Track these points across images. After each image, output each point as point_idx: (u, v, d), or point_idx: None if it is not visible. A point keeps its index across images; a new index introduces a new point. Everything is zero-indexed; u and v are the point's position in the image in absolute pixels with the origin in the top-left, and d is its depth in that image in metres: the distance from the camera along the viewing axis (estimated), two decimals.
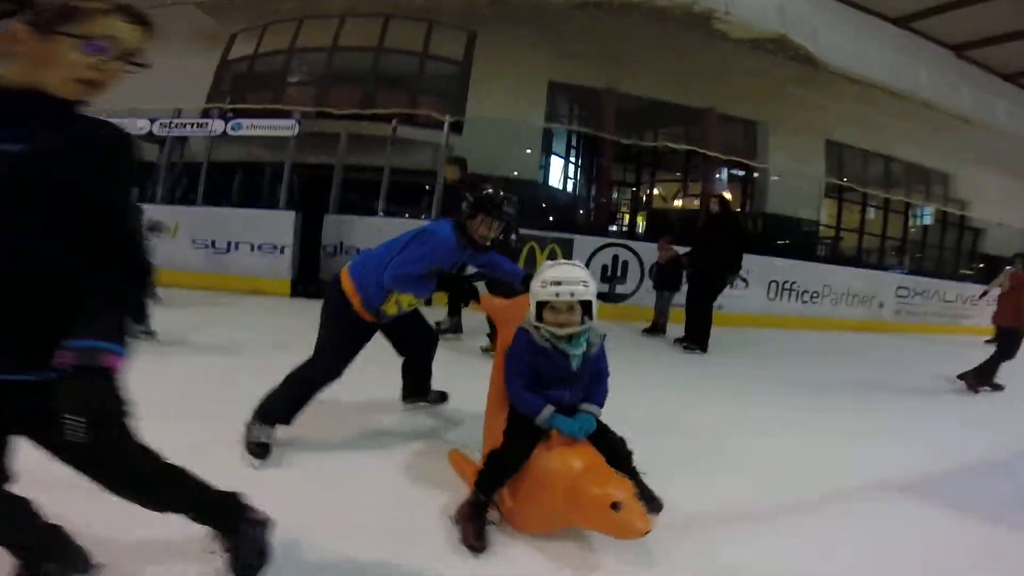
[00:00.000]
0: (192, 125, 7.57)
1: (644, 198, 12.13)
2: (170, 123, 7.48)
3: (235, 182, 10.58)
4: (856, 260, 11.66)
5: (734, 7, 8.50)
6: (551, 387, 1.85)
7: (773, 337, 6.92)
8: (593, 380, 1.90)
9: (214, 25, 11.48)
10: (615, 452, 1.84)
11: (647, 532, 1.54)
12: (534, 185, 9.93)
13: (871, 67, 9.53)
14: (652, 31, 9.47)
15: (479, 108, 9.66)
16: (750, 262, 6.46)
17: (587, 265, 1.96)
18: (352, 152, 7.95)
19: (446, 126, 6.93)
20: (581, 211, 11.36)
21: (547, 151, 10.56)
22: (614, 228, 11.45)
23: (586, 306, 1.83)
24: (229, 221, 6.56)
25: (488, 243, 2.37)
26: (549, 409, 1.79)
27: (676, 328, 5.81)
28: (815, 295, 8.30)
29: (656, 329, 6.16)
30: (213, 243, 6.46)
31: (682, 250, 6.00)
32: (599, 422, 1.85)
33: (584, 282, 1.81)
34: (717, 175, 11.49)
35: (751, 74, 9.87)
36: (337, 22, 11.16)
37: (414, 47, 10.97)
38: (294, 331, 3.21)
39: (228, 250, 6.45)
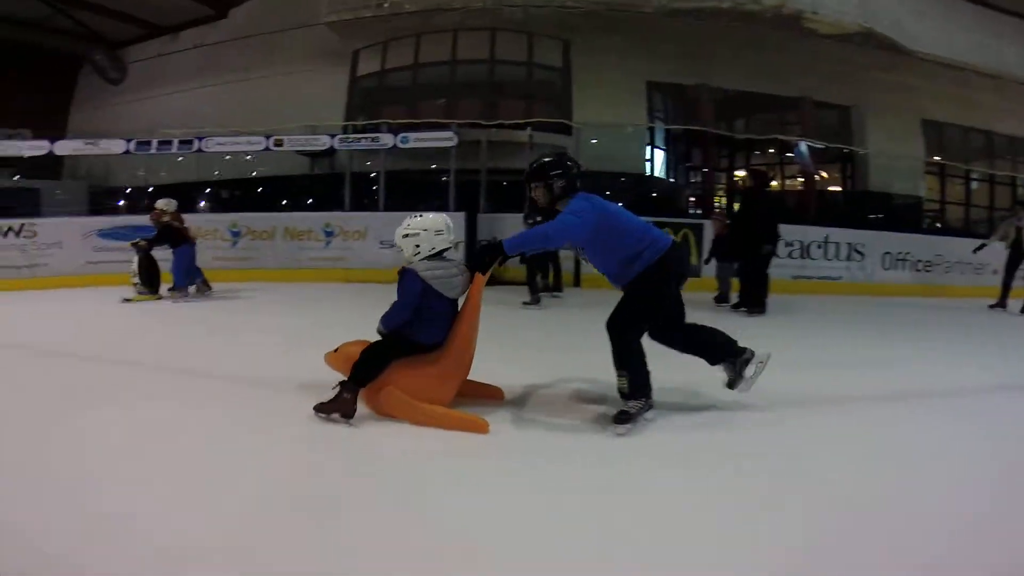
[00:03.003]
0: (365, 140, 9.94)
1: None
2: (348, 139, 9.92)
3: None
4: (965, 231, 12.59)
5: (820, 6, 10.04)
6: None
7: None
8: None
9: (337, 43, 13.82)
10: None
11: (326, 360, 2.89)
12: (641, 178, 11.90)
13: (956, 49, 10.71)
14: (742, 31, 11.12)
15: (583, 111, 11.70)
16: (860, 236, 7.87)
17: None
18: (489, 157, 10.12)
19: (575, 130, 8.89)
20: (684, 197, 13.11)
21: (650, 145, 12.46)
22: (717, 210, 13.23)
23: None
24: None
25: (542, 207, 2.91)
26: None
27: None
28: (928, 265, 9.25)
29: (722, 298, 6.83)
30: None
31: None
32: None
33: (396, 236, 2.85)
34: (792, 151, 12.82)
35: (842, 63, 11.29)
36: (451, 37, 13.40)
37: (516, 57, 13.10)
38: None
39: None
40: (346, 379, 2.70)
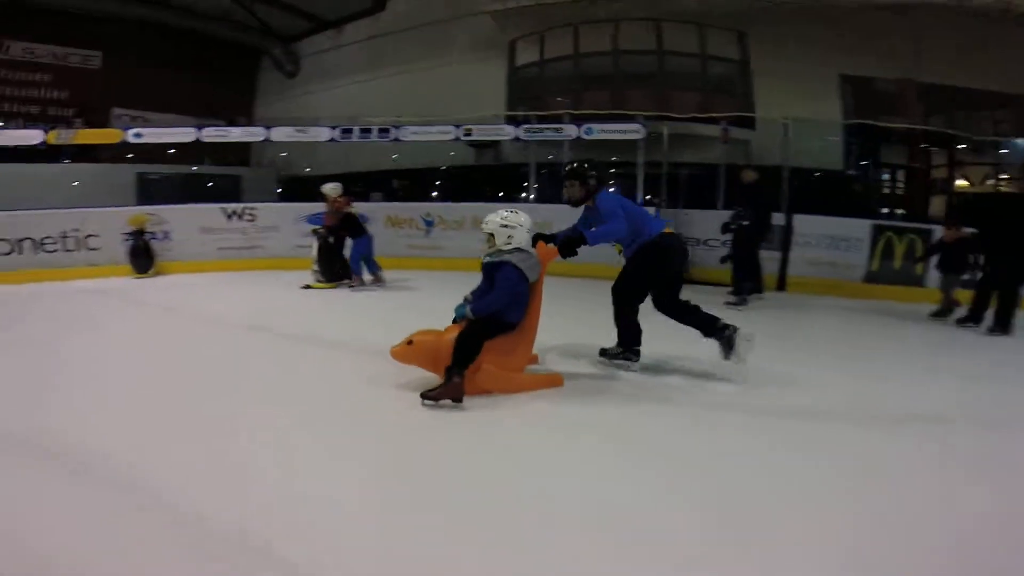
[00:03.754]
0: (549, 130, 10.11)
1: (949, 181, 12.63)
2: (534, 129, 10.12)
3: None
4: None
5: None
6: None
7: None
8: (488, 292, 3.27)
9: (495, 34, 14.22)
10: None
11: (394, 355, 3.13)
12: (839, 175, 11.35)
13: None
14: (953, 24, 10.23)
15: (767, 104, 11.29)
16: None
17: None
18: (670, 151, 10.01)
19: (786, 125, 8.50)
20: (888, 196, 12.38)
21: (849, 141, 11.84)
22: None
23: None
24: None
25: (575, 201, 3.72)
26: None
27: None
28: None
29: (944, 312, 6.06)
30: None
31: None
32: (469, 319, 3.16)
33: (486, 222, 3.31)
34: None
35: None
36: (611, 26, 13.35)
37: (685, 48, 12.85)
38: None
39: None
40: (451, 365, 2.97)
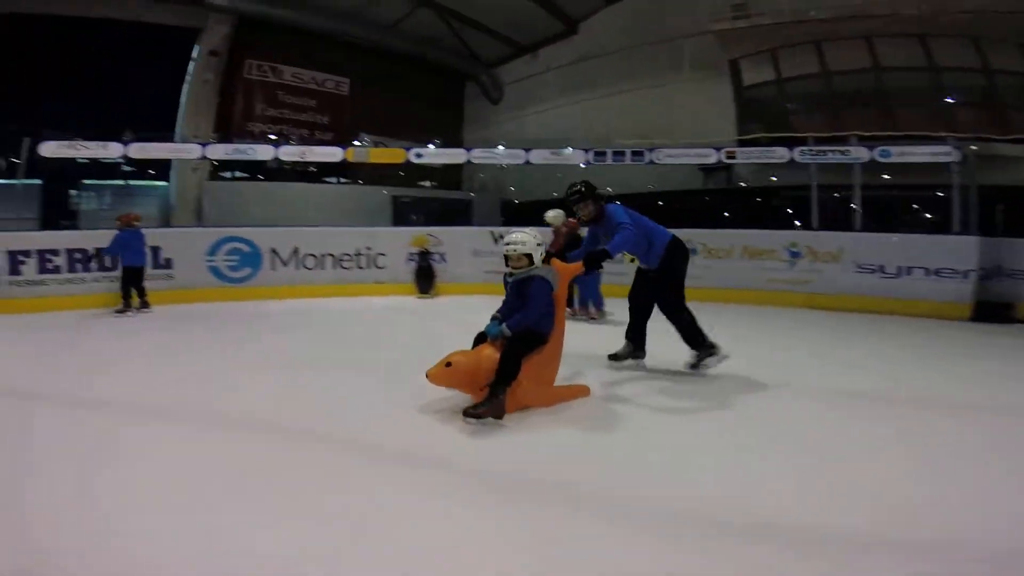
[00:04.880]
0: (832, 152, 9.44)
1: None
2: (816, 151, 9.47)
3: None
4: None
5: None
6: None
7: None
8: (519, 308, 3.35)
9: (714, 52, 13.64)
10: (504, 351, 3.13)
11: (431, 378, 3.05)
12: None
13: None
14: None
15: None
16: None
17: None
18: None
19: None
20: None
21: None
22: None
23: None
24: (898, 247, 7.67)
25: (587, 220, 4.07)
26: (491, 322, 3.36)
27: None
28: None
29: None
30: (881, 268, 7.66)
31: None
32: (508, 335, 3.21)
33: (521, 242, 3.37)
34: None
35: None
36: (862, 43, 12.38)
37: (957, 63, 11.53)
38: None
39: (899, 275, 7.53)
40: (494, 382, 3.01)
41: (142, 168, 11.82)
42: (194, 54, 13.60)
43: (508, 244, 3.39)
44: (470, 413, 2.95)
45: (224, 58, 13.51)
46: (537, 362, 3.27)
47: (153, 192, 12.72)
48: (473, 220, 13.20)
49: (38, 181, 10.62)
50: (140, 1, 12.79)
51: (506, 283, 3.50)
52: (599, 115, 15.27)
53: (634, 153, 10.36)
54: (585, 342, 4.64)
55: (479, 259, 9.35)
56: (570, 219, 7.01)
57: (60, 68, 12.40)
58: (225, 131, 12.87)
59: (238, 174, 13.04)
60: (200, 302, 7.73)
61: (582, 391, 3.55)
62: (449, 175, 15.52)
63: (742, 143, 11.79)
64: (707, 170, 12.81)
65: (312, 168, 13.04)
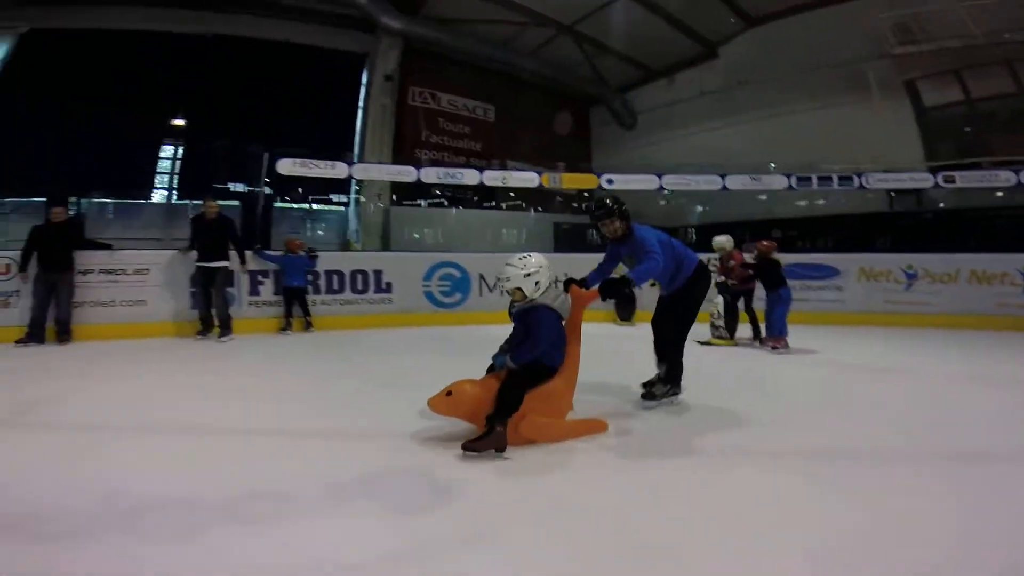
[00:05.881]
0: None
1: None
2: None
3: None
4: None
5: None
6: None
7: None
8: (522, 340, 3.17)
9: (887, 74, 13.13)
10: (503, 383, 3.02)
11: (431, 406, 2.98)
12: None
13: None
14: None
15: None
16: None
17: None
18: None
19: None
20: None
21: None
22: None
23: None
24: None
25: (615, 238, 3.77)
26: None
27: None
28: None
29: None
30: None
31: None
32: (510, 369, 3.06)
33: (507, 278, 3.17)
34: None
35: None
36: None
37: None
38: None
39: None
40: (493, 414, 2.87)
41: (325, 193, 12.36)
42: (363, 79, 14.21)
43: (498, 279, 3.56)
44: (468, 446, 2.83)
45: (396, 83, 14.03)
46: (546, 395, 3.08)
47: (331, 216, 13.27)
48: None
49: (235, 203, 11.28)
50: (316, 26, 13.55)
51: (511, 314, 3.34)
52: (751, 138, 14.91)
53: (842, 178, 10.03)
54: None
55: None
56: (735, 251, 6.80)
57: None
58: (399, 156, 13.30)
59: (420, 201, 13.42)
60: (415, 326, 7.94)
61: (598, 426, 3.27)
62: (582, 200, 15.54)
63: (956, 167, 11.23)
64: (897, 193, 12.29)
65: (474, 196, 13.32)
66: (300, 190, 12.18)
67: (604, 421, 3.32)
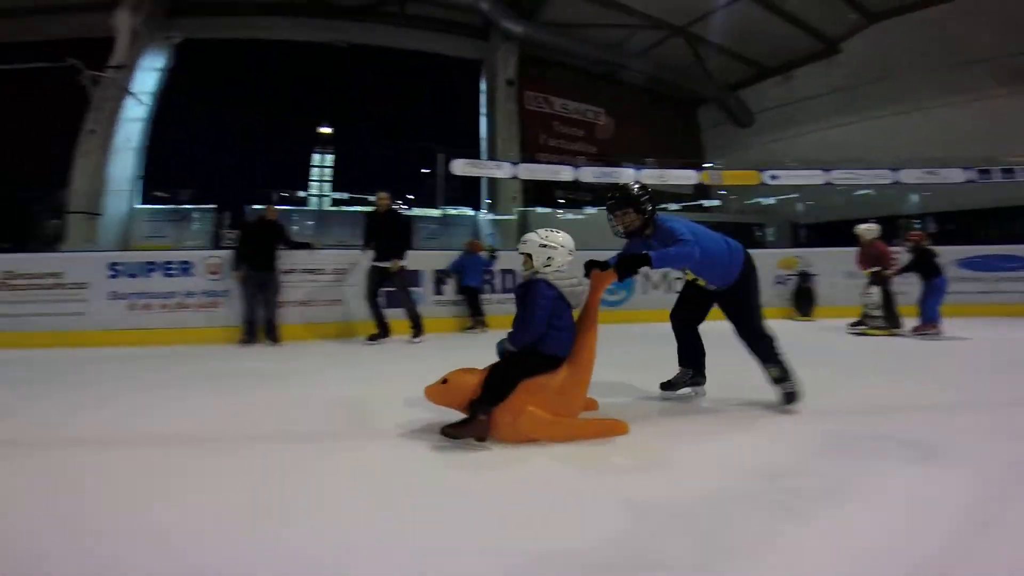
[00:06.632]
0: None
1: None
2: None
3: None
4: None
5: None
6: None
7: None
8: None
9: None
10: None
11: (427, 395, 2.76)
12: None
13: None
14: None
15: None
16: None
17: None
18: None
19: None
20: None
21: None
22: None
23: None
24: None
25: (630, 231, 3.30)
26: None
27: None
28: None
29: None
30: None
31: None
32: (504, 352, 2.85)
33: (524, 240, 2.93)
34: None
35: None
36: None
37: None
38: None
39: None
40: (477, 400, 2.64)
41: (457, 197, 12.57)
42: (482, 85, 14.43)
43: (520, 244, 3.01)
44: (448, 432, 2.65)
45: (516, 88, 14.19)
46: (553, 388, 2.70)
47: (463, 221, 13.47)
48: (766, 243, 12.73)
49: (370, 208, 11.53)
50: (434, 33, 13.86)
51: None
52: (889, 134, 14.33)
53: (1005, 170, 9.37)
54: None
55: (852, 282, 8.73)
56: (877, 241, 6.76)
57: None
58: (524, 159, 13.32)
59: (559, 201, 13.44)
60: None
61: (617, 427, 2.81)
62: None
63: None
64: None
65: (587, 196, 13.22)
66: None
67: (624, 423, 2.87)
